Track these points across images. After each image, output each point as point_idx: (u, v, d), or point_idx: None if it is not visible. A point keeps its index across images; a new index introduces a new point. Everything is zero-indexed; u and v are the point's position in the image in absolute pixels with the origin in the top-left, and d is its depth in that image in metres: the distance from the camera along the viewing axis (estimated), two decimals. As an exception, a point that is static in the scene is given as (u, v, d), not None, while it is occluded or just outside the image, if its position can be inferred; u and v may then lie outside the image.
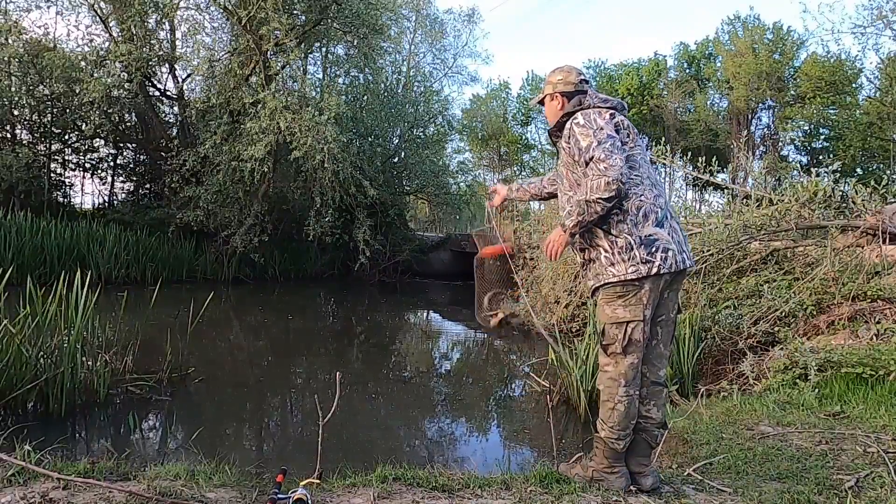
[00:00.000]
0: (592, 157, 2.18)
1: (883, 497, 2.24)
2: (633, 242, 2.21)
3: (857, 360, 3.74)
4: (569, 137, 2.34)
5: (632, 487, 2.36)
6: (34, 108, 13.69)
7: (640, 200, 2.25)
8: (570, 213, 2.25)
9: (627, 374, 2.26)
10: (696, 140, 21.99)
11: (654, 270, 2.19)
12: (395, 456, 3.03)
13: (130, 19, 12.41)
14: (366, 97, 16.58)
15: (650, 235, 2.22)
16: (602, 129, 2.23)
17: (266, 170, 12.70)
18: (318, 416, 2.64)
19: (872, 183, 5.70)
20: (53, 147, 14.81)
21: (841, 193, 5.97)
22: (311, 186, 13.21)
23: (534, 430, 4.41)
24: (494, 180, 28.75)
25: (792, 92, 21.72)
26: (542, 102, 2.64)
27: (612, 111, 2.38)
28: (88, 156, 15.91)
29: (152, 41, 13.40)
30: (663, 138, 9.19)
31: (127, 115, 14.99)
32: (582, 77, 2.53)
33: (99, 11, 13.39)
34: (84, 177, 16.33)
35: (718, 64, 24.95)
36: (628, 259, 2.21)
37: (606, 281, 2.27)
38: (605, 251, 2.27)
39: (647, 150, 2.65)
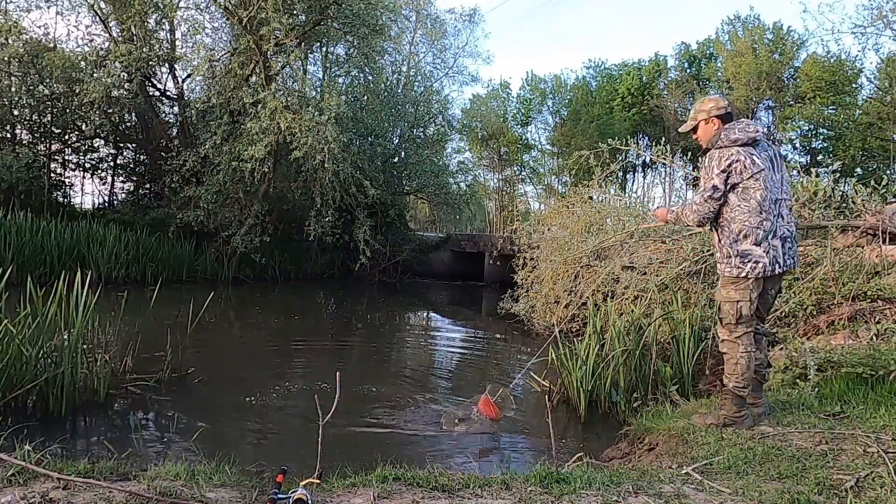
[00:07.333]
0: (698, 197, 3.05)
1: (883, 497, 2.24)
2: (731, 253, 3.03)
3: (857, 360, 3.73)
4: (701, 166, 3.15)
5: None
6: (34, 108, 13.68)
7: (743, 225, 2.98)
8: (682, 210, 3.20)
9: (743, 338, 3.03)
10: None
11: (744, 274, 2.98)
12: (395, 456, 3.03)
13: (130, 19, 12.42)
14: (366, 97, 16.57)
15: (745, 251, 2.99)
16: (712, 179, 2.99)
17: (266, 170, 12.70)
18: (318, 416, 2.64)
19: (872, 183, 5.68)
20: (53, 147, 14.80)
21: (841, 193, 5.97)
22: (312, 186, 13.22)
23: (534, 430, 4.40)
24: (495, 180, 28.70)
25: (792, 92, 21.68)
26: (694, 129, 3.21)
27: (734, 151, 2.96)
28: (88, 156, 15.93)
29: (152, 41, 13.41)
30: (663, 138, 9.18)
31: (127, 115, 14.99)
32: (727, 103, 3.18)
33: (99, 11, 13.39)
34: (84, 177, 16.36)
35: (719, 64, 24.90)
36: (731, 264, 3.04)
37: (720, 271, 3.11)
38: (719, 252, 3.12)
39: (777, 169, 3.14)
